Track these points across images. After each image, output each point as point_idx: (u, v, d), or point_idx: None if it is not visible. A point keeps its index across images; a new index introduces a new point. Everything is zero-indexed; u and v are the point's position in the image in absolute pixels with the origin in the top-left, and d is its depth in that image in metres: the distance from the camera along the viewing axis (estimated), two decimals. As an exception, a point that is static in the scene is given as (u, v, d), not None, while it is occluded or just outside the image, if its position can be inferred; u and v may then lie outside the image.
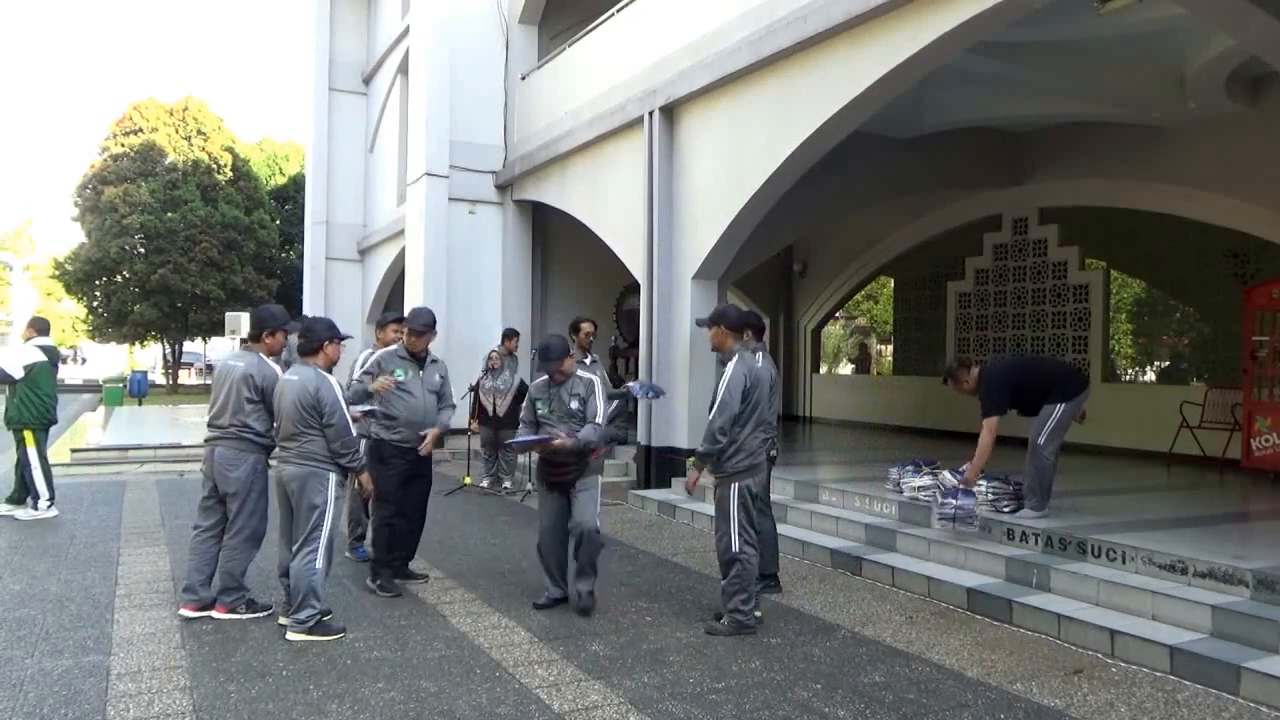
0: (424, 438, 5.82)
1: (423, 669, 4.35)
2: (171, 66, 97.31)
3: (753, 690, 4.14)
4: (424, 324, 5.90)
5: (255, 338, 5.36)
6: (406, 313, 6.40)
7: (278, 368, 5.26)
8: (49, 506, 8.26)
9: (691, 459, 5.17)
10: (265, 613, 5.14)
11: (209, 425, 5.29)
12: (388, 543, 5.81)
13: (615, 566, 6.45)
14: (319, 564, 4.81)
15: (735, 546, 5.02)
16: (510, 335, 10.53)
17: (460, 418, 10.62)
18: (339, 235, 20.07)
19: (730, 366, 5.09)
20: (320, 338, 5.02)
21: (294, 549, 4.86)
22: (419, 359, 5.89)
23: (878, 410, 14.58)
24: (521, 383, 10.45)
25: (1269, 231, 9.24)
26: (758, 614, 5.14)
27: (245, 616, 5.13)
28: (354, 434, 4.93)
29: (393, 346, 6.09)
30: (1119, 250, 11.42)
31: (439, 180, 13.55)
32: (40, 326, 8.54)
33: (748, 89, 8.89)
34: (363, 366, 6.38)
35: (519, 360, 10.54)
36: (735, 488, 5.06)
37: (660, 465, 9.77)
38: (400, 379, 5.77)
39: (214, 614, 5.14)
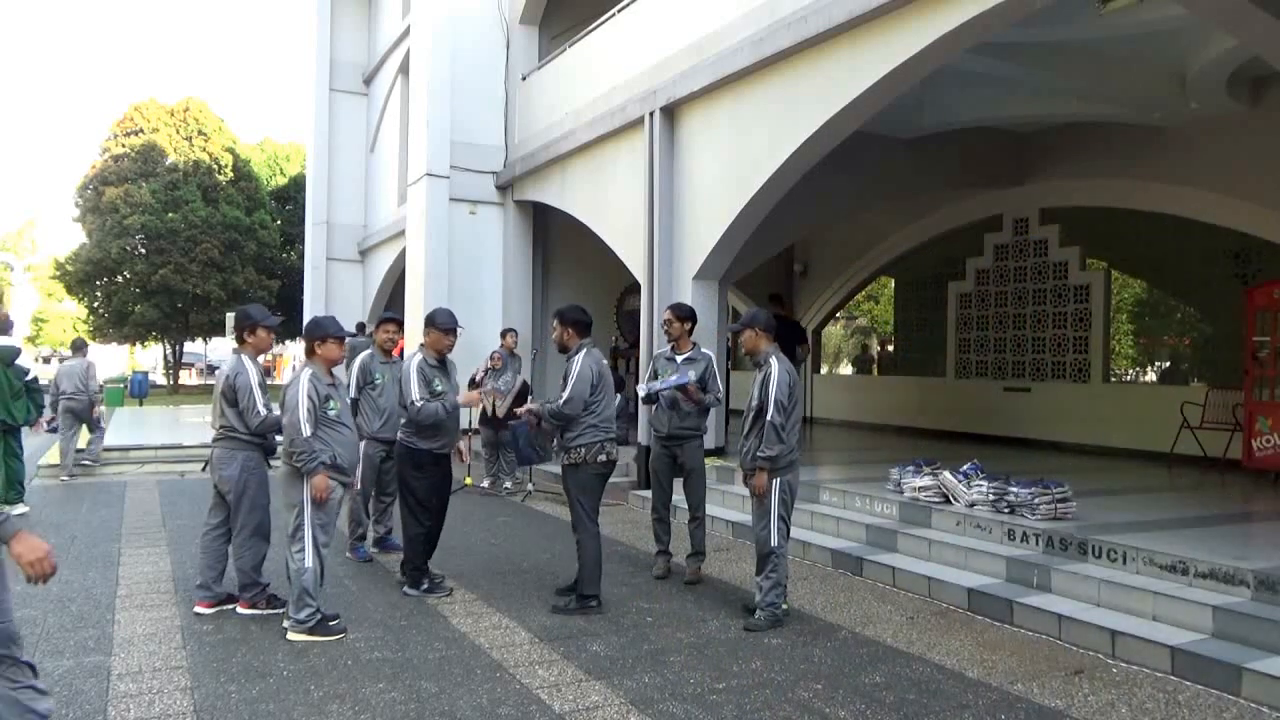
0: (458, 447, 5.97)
1: (424, 669, 4.36)
2: (172, 67, 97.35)
3: (753, 690, 4.14)
4: (457, 323, 5.86)
5: (240, 339, 5.47)
6: (417, 314, 6.35)
7: (252, 367, 5.31)
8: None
9: (750, 461, 5.25)
10: (284, 609, 5.14)
11: (211, 426, 5.44)
12: (424, 549, 5.76)
13: (615, 567, 6.46)
14: (308, 563, 4.82)
15: (774, 541, 5.15)
16: (507, 332, 10.55)
17: (462, 419, 10.63)
18: (340, 236, 20.09)
19: (774, 368, 5.17)
20: (313, 338, 5.08)
21: (288, 549, 4.90)
22: (444, 363, 5.84)
23: (878, 410, 14.58)
24: (524, 383, 10.46)
25: (1270, 232, 9.23)
26: (784, 608, 5.26)
27: (266, 612, 5.18)
28: (305, 435, 4.79)
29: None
30: (1120, 250, 11.41)
31: (440, 181, 13.55)
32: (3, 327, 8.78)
33: (749, 89, 8.88)
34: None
35: (520, 359, 10.54)
36: (777, 483, 5.18)
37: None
38: (441, 390, 5.70)
39: (238, 609, 5.22)
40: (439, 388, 5.70)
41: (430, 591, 5.67)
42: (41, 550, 2.74)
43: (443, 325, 5.79)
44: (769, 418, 5.08)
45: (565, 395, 5.36)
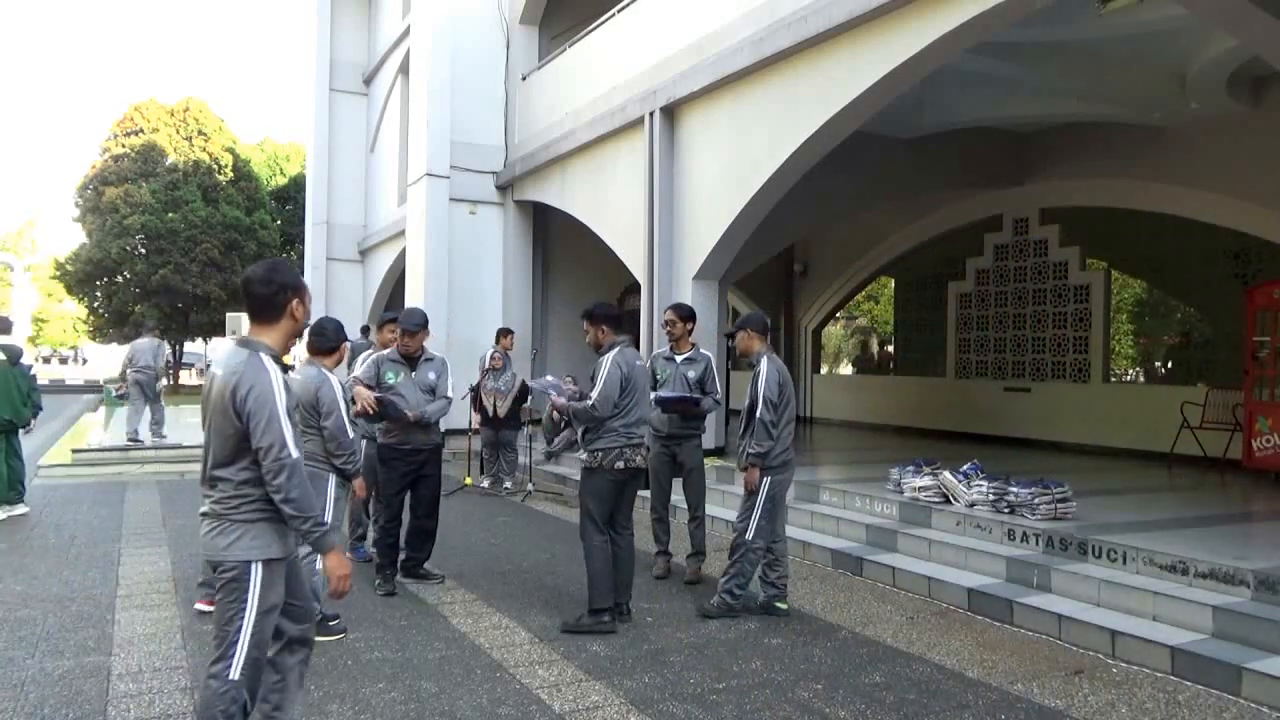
0: (432, 441, 5.91)
1: (424, 669, 4.36)
2: (173, 67, 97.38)
3: (753, 690, 4.14)
4: (415, 324, 5.92)
5: None
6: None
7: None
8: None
9: (744, 457, 5.35)
10: None
11: None
12: (387, 548, 5.81)
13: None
14: (318, 564, 4.81)
15: (749, 534, 5.27)
16: (505, 333, 10.55)
17: (463, 419, 10.64)
18: (340, 236, 20.10)
19: (764, 366, 5.28)
20: (337, 339, 5.11)
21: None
22: (412, 360, 5.91)
23: (878, 410, 14.58)
24: (523, 383, 10.44)
25: (1270, 232, 9.23)
26: (781, 606, 5.35)
27: None
28: (350, 436, 4.88)
29: (388, 350, 6.12)
30: (1120, 250, 11.41)
31: (440, 181, 13.56)
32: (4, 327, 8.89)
33: (749, 89, 8.89)
34: (362, 370, 6.35)
35: (511, 360, 10.53)
36: (767, 480, 5.27)
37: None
38: (391, 382, 5.78)
39: None
40: (390, 380, 5.78)
41: (382, 578, 5.76)
42: (345, 570, 3.14)
43: (401, 325, 5.97)
44: (758, 414, 5.19)
45: (594, 395, 5.01)
